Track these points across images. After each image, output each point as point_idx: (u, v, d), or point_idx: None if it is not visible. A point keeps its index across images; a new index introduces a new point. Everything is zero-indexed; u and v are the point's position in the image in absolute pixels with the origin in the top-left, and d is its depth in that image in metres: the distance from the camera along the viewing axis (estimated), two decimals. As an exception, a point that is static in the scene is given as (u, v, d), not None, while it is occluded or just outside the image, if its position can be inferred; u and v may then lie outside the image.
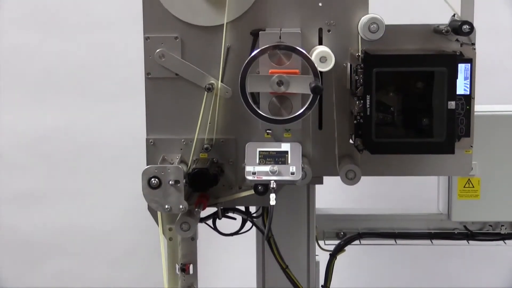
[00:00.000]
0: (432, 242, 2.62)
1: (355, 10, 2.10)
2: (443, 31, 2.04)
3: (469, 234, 2.61)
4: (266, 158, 2.06)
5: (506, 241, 2.61)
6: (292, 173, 2.04)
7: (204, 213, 2.22)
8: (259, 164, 2.05)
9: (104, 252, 3.75)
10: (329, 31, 2.12)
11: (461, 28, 1.99)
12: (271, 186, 2.00)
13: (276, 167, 2.03)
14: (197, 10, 2.12)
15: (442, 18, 2.11)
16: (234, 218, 2.34)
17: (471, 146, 2.12)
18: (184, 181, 2.02)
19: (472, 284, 3.61)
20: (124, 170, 3.58)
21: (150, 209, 2.14)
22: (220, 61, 2.12)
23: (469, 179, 2.53)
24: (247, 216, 2.33)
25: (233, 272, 3.69)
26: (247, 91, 1.98)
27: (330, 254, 2.57)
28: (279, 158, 2.06)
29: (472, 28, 1.99)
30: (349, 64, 2.10)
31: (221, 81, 2.13)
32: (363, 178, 2.12)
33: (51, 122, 3.66)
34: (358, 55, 2.02)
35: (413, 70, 1.98)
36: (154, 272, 2.82)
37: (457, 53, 2.03)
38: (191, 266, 2.33)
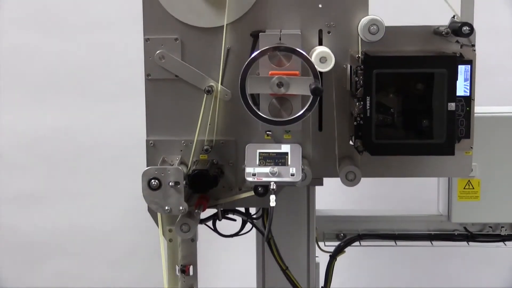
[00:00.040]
0: (432, 243, 2.62)
1: (355, 11, 2.10)
2: (443, 32, 2.04)
3: (469, 235, 2.61)
4: (266, 159, 2.06)
5: (506, 242, 2.61)
6: (292, 175, 2.04)
7: (204, 214, 2.23)
8: (259, 165, 2.05)
9: (104, 253, 3.75)
10: (329, 32, 2.12)
11: (461, 30, 1.99)
12: (271, 187, 2.01)
13: (276, 169, 2.03)
14: (197, 12, 2.12)
15: (442, 19, 2.11)
16: (234, 220, 2.34)
17: (471, 148, 2.12)
18: (184, 182, 2.02)
19: (472, 285, 3.60)
20: (124, 170, 3.58)
21: (150, 210, 2.14)
22: (220, 63, 2.12)
23: (469, 180, 2.53)
24: (247, 217, 2.32)
25: (233, 273, 3.69)
26: (247, 93, 1.98)
27: (330, 256, 2.57)
28: (279, 159, 2.06)
29: (472, 30, 1.99)
30: (349, 66, 2.09)
31: (221, 84, 2.13)
32: (363, 179, 2.12)
33: (51, 122, 3.66)
34: (358, 57, 2.02)
35: (413, 71, 1.98)
36: (154, 273, 2.82)
37: (457, 55, 2.03)
38: (191, 268, 2.33)
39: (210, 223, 2.32)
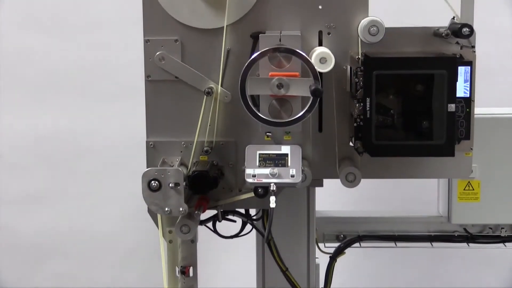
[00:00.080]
0: (432, 244, 2.62)
1: (355, 12, 2.10)
2: (443, 34, 2.04)
3: (469, 236, 2.61)
4: (266, 160, 2.06)
5: (506, 243, 2.61)
6: (292, 176, 2.04)
7: (204, 215, 2.23)
8: (259, 166, 2.05)
9: (104, 254, 3.75)
10: (329, 33, 2.12)
11: (461, 31, 1.99)
12: (271, 188, 2.00)
13: (276, 170, 2.03)
14: (197, 13, 2.12)
15: (442, 20, 2.11)
16: (234, 221, 2.34)
17: (471, 149, 2.12)
18: (184, 183, 2.02)
19: (472, 286, 3.60)
20: (124, 171, 3.58)
21: (150, 211, 2.14)
22: (220, 64, 2.12)
23: (469, 181, 2.53)
24: (247, 218, 2.32)
25: (233, 275, 3.69)
26: (247, 94, 1.98)
27: (330, 257, 2.57)
28: (279, 160, 2.06)
29: (472, 31, 1.99)
30: (349, 67, 2.09)
31: (221, 85, 2.13)
32: (363, 180, 2.12)
33: (51, 123, 3.66)
34: (358, 58, 2.02)
35: (413, 72, 1.98)
36: (154, 274, 2.83)
37: (457, 56, 2.03)
38: (191, 269, 2.34)
39: (210, 224, 2.31)
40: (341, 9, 2.10)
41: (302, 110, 2.00)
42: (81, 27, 3.59)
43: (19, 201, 3.71)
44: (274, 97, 2.00)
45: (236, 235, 2.36)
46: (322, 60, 2.00)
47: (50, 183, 3.70)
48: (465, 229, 2.62)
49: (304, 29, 2.11)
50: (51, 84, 3.65)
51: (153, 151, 2.18)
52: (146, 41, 2.15)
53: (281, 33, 2.04)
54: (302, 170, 2.05)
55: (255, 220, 2.33)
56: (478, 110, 2.28)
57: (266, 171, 2.03)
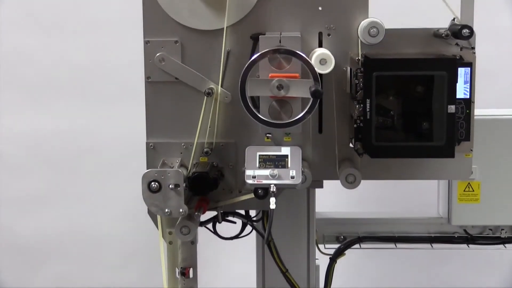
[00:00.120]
0: (432, 246, 2.62)
1: (355, 14, 2.10)
2: (443, 35, 2.04)
3: (469, 238, 2.61)
4: (266, 162, 2.06)
5: (506, 245, 2.61)
6: (292, 177, 2.03)
7: (204, 217, 2.22)
8: (259, 168, 2.05)
9: (104, 255, 3.75)
10: (329, 35, 2.12)
11: (461, 32, 1.99)
12: (271, 190, 2.00)
13: (276, 171, 2.03)
14: (197, 14, 2.12)
15: (442, 21, 2.11)
16: (234, 222, 2.34)
17: (471, 150, 2.12)
18: (184, 185, 2.02)
19: (472, 287, 3.60)
20: (124, 172, 3.58)
21: (150, 213, 2.14)
22: (220, 65, 2.12)
23: (469, 183, 2.52)
24: (247, 220, 2.32)
25: (233, 276, 3.69)
26: (247, 95, 1.98)
27: (330, 258, 2.56)
28: (279, 162, 2.06)
29: (472, 32, 1.99)
30: (349, 68, 2.09)
31: (221, 86, 2.13)
32: (363, 181, 2.12)
33: (51, 124, 3.66)
34: (358, 59, 2.02)
35: (413, 74, 1.98)
36: (154, 275, 2.82)
37: (457, 57, 2.03)
38: (191, 270, 2.34)
39: (210, 225, 2.31)
40: (341, 10, 2.10)
41: (302, 111, 1.99)
42: (81, 27, 3.60)
43: (19, 201, 3.71)
44: (274, 98, 2.00)
45: (236, 237, 2.36)
46: (322, 61, 2.00)
47: (50, 183, 3.70)
48: (465, 230, 2.62)
49: (304, 30, 2.11)
50: (51, 84, 3.65)
51: (153, 152, 2.18)
52: (146, 42, 2.15)
53: (281, 34, 2.04)
54: (302, 171, 2.05)
55: (255, 221, 2.33)
56: (478, 111, 2.28)
57: (266, 172, 2.03)
